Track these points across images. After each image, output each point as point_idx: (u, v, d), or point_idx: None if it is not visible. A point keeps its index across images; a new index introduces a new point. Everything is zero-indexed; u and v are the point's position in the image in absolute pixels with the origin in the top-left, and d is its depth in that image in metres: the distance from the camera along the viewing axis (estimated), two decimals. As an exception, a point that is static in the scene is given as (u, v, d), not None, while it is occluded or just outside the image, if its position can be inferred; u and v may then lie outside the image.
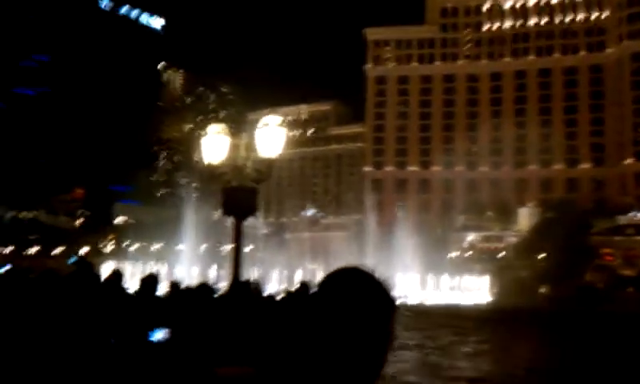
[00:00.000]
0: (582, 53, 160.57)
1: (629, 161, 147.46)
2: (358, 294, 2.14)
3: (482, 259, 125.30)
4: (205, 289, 11.17)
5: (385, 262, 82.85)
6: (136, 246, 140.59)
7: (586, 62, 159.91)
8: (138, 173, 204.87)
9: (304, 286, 12.35)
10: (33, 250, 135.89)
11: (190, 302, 10.51)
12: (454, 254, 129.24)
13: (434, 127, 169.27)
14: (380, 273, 2.20)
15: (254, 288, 12.28)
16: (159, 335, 9.21)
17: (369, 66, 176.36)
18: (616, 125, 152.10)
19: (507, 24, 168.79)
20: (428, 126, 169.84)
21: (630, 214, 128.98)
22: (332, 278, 2.23)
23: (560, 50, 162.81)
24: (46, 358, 7.43)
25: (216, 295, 12.03)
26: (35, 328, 7.90)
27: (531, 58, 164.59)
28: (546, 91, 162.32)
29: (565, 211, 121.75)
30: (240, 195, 12.04)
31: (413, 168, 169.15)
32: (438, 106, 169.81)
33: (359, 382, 2.06)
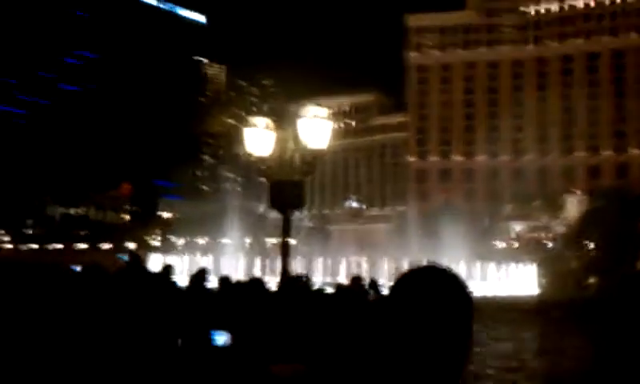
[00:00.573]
0: (633, 35, 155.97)
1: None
2: (438, 294, 2.17)
3: (530, 249, 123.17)
4: (257, 284, 11.00)
5: (430, 254, 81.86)
6: (182, 240, 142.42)
7: (635, 45, 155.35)
8: (182, 168, 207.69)
9: (356, 279, 12.04)
10: (82, 246, 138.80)
11: (244, 298, 10.36)
12: (500, 244, 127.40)
13: (477, 115, 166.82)
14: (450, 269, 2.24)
15: (304, 282, 12.08)
16: (222, 338, 9.06)
17: (410, 54, 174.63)
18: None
19: (552, 7, 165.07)
20: (472, 114, 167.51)
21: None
22: (409, 278, 2.26)
23: (608, 32, 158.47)
24: (118, 355, 7.38)
25: (267, 290, 11.88)
26: (107, 324, 7.86)
27: (578, 41, 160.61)
28: (593, 75, 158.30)
29: (614, 198, 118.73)
30: (287, 189, 11.88)
31: (457, 157, 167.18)
32: (481, 94, 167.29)
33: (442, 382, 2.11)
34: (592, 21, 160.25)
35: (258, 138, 12.48)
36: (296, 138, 12.05)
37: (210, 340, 9.22)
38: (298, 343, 8.89)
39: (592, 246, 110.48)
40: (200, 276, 11.08)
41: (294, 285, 11.50)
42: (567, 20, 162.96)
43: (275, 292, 12.03)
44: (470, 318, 2.16)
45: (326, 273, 78.50)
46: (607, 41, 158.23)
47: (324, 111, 12.41)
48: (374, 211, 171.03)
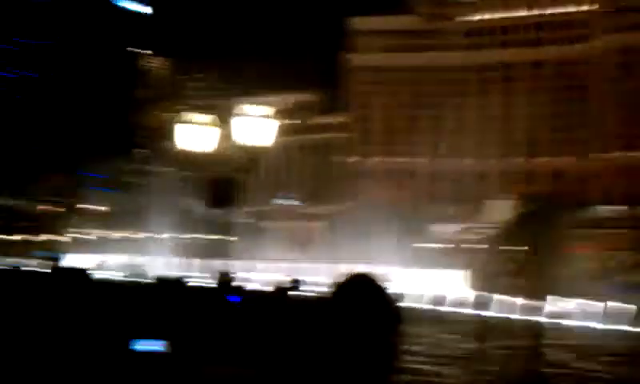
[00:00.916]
0: (571, 45, 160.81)
1: (613, 154, 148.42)
2: (368, 306, 2.29)
3: (463, 251, 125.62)
4: (179, 284, 10.48)
5: (366, 254, 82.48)
6: (116, 233, 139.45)
7: (573, 54, 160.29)
8: (114, 160, 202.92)
9: (295, 282, 11.63)
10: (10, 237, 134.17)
11: (174, 298, 9.85)
12: (435, 246, 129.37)
13: (418, 119, 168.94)
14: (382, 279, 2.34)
15: (231, 281, 11.61)
16: (153, 343, 8.50)
17: (353, 56, 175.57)
18: (600, 118, 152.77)
19: (495, 15, 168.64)
20: (412, 117, 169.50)
21: (610, 207, 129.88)
22: (345, 287, 2.37)
23: (549, 42, 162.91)
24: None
25: (189, 288, 11.37)
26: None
27: (520, 49, 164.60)
28: (534, 83, 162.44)
29: (545, 204, 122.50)
30: (225, 185, 11.40)
31: (396, 159, 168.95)
32: (422, 97, 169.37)
33: None
34: (533, 30, 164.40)
35: (195, 133, 11.96)
36: (235, 136, 11.58)
37: (140, 343, 8.69)
38: (235, 346, 8.55)
39: (522, 249, 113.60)
40: (138, 273, 10.49)
41: (227, 285, 11.02)
42: (509, 29, 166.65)
43: (209, 291, 11.56)
44: (396, 329, 2.33)
45: (264, 271, 78.00)
46: (548, 50, 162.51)
47: (268, 110, 12.02)
48: (312, 209, 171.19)
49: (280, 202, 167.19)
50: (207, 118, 11.35)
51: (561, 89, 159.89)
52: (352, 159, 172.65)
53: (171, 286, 10.71)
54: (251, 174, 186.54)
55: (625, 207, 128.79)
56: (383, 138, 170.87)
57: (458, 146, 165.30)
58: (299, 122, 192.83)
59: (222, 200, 9.94)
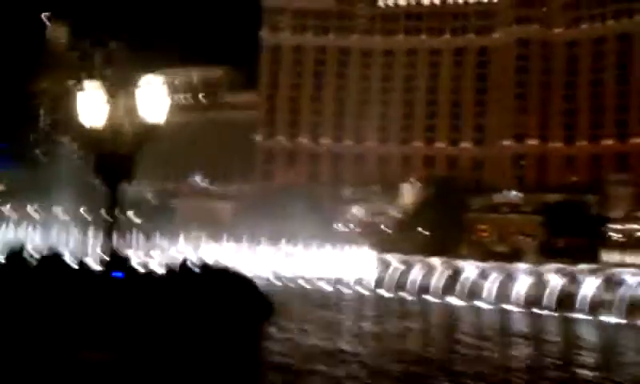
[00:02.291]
0: (471, 35, 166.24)
1: (507, 142, 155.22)
2: (233, 300, 2.31)
3: (368, 233, 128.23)
4: (56, 261, 10.46)
5: (272, 233, 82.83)
6: (9, 208, 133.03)
7: (474, 45, 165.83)
8: (15, 129, 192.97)
9: (184, 265, 11.83)
10: None
11: (45, 276, 9.81)
12: (339, 227, 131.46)
13: (325, 100, 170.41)
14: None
15: (124, 262, 11.62)
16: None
17: (264, 34, 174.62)
18: (497, 107, 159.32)
19: (401, 2, 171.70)
20: (320, 98, 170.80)
21: (505, 193, 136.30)
22: (209, 277, 2.39)
23: (450, 32, 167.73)
24: None
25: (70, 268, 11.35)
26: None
27: (423, 37, 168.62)
28: (435, 70, 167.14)
29: (445, 188, 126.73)
30: (116, 160, 11.33)
31: (303, 140, 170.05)
32: (331, 79, 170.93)
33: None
34: (435, 19, 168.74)
35: (92, 104, 11.86)
36: (130, 109, 11.56)
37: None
38: (111, 328, 8.60)
39: (422, 230, 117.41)
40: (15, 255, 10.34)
41: (117, 264, 11.02)
42: (414, 16, 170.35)
43: (96, 273, 11.47)
44: (261, 328, 2.36)
45: (167, 249, 76.86)
46: (449, 39, 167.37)
47: (161, 82, 11.97)
48: (219, 188, 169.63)
49: (188, 180, 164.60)
50: (103, 88, 11.18)
51: (461, 77, 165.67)
52: (260, 139, 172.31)
53: (49, 266, 10.67)
54: (155, 151, 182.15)
55: (519, 194, 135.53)
56: (290, 118, 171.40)
57: (362, 129, 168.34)
58: (207, 98, 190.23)
59: (118, 176, 9.87)
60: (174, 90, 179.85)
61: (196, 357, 7.97)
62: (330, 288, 54.08)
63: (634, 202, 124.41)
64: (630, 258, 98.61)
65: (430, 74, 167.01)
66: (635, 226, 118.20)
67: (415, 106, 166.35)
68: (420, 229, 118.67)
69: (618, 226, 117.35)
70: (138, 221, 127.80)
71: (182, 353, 8.18)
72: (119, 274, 10.45)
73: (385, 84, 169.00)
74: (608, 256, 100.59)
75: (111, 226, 11.38)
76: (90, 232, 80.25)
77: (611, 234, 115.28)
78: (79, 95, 11.98)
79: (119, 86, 12.61)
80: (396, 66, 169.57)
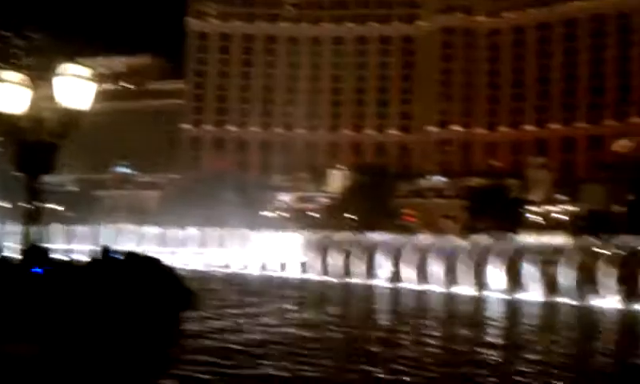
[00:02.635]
0: (396, 23, 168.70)
1: (432, 129, 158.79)
2: (149, 285, 2.28)
3: (296, 219, 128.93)
4: None
5: (202, 222, 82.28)
6: None
7: (399, 33, 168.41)
8: None
9: (105, 251, 11.85)
10: None
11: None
12: (269, 214, 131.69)
13: (254, 87, 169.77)
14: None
15: (43, 255, 11.53)
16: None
17: (190, 20, 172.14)
18: (423, 95, 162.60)
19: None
20: (248, 85, 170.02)
21: (431, 178, 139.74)
22: (124, 263, 2.38)
23: (376, 19, 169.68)
24: None
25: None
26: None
27: (349, 25, 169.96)
28: (362, 59, 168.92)
29: (373, 174, 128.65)
30: (37, 151, 11.29)
31: (231, 127, 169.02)
32: (258, 66, 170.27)
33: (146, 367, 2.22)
34: (361, 6, 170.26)
35: (12, 93, 11.79)
36: (53, 98, 11.57)
37: None
38: (35, 321, 8.66)
39: (351, 217, 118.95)
40: None
41: (38, 256, 10.95)
42: (339, 3, 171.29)
43: (15, 264, 11.34)
44: (178, 315, 2.32)
45: (88, 241, 75.24)
46: (375, 27, 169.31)
47: (86, 71, 11.98)
48: (146, 177, 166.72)
49: (114, 169, 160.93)
50: (22, 77, 11.09)
51: (388, 65, 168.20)
52: (186, 127, 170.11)
53: None
54: (79, 141, 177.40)
55: (444, 178, 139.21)
56: (217, 105, 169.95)
57: (291, 117, 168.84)
58: (132, 86, 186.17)
59: (39, 166, 9.76)
60: (99, 78, 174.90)
61: (114, 347, 8.20)
62: (256, 273, 54.41)
63: (553, 185, 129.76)
64: (545, 239, 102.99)
65: (356, 61, 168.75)
66: (552, 208, 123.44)
67: (343, 94, 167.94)
68: (348, 214, 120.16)
69: (537, 209, 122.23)
70: (60, 211, 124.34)
71: (102, 343, 8.40)
72: (38, 270, 10.43)
73: (312, 71, 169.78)
74: (524, 237, 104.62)
75: (31, 217, 11.32)
76: (10, 223, 77.81)
77: (530, 216, 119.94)
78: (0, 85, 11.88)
79: (42, 75, 12.56)
80: (323, 54, 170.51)
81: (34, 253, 11.41)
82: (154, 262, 9.42)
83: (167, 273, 9.36)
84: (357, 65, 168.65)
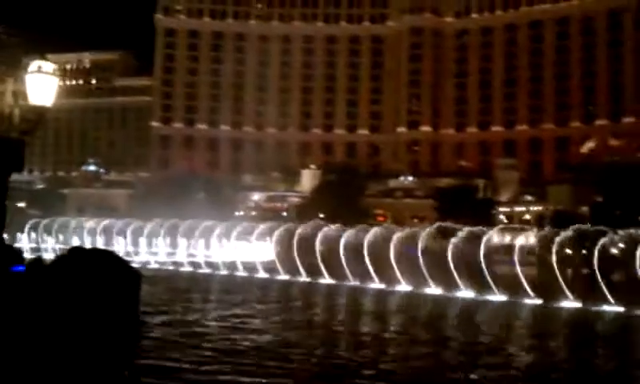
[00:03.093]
0: (366, 23, 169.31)
1: (402, 129, 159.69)
2: (98, 275, 2.27)
3: (267, 218, 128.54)
4: None
5: (170, 221, 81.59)
6: None
7: (369, 32, 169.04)
8: None
9: (73, 252, 11.65)
10: None
11: None
12: (239, 213, 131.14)
13: (224, 85, 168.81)
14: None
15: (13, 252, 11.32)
16: None
17: (159, 17, 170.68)
18: (392, 95, 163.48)
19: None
20: (218, 83, 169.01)
21: (400, 178, 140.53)
22: (67, 261, 2.36)
23: (346, 19, 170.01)
24: None
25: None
26: None
27: (319, 24, 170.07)
28: (332, 58, 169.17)
29: (343, 174, 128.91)
30: (4, 147, 11.06)
31: (201, 126, 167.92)
32: (228, 64, 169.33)
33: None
34: (331, 6, 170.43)
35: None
36: (16, 93, 11.35)
37: None
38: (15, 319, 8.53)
39: (322, 216, 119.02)
40: None
41: (15, 258, 10.75)
42: (310, 2, 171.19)
43: None
44: (130, 299, 2.32)
45: (57, 240, 74.20)
46: (345, 26, 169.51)
47: (49, 66, 11.77)
48: (114, 176, 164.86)
49: (82, 167, 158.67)
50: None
51: (358, 65, 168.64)
52: (155, 124, 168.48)
53: None
54: (46, 138, 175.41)
55: (413, 178, 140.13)
56: (187, 103, 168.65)
57: (262, 116, 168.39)
58: (97, 83, 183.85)
59: (8, 164, 9.56)
60: (65, 74, 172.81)
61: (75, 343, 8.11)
62: (225, 272, 54.12)
63: (520, 185, 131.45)
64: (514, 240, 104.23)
65: (326, 61, 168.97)
66: (521, 209, 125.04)
67: (313, 93, 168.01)
68: (319, 214, 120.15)
69: (505, 209, 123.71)
70: (28, 210, 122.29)
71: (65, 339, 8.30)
72: (20, 268, 10.30)
73: (283, 70, 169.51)
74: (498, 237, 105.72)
75: (1, 217, 11.07)
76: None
77: (499, 216, 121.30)
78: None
79: (6, 71, 12.32)
80: (294, 52, 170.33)
81: (11, 254, 11.24)
82: (112, 257, 9.25)
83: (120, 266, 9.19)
84: (327, 64, 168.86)
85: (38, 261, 12.61)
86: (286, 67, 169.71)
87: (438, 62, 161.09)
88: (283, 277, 51.53)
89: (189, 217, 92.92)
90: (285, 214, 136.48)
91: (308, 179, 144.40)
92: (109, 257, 9.12)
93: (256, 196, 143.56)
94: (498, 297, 37.94)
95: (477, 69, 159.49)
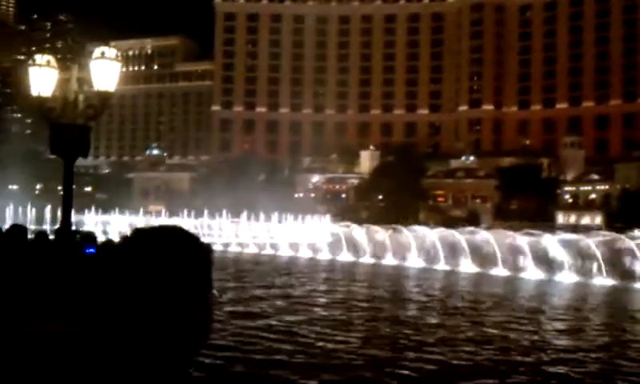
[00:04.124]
0: (426, 0, 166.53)
1: (463, 108, 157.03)
2: (168, 251, 2.27)
3: (326, 200, 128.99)
4: (18, 231, 10.42)
5: (233, 203, 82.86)
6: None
7: (429, 10, 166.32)
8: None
9: (138, 234, 11.80)
10: None
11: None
12: (299, 195, 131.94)
13: (283, 68, 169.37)
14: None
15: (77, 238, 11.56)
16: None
17: (218, 1, 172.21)
18: (453, 73, 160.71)
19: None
20: (277, 66, 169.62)
21: (462, 158, 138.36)
22: (140, 238, 2.37)
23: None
24: None
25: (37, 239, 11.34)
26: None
27: (377, 3, 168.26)
28: (391, 37, 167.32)
29: (403, 155, 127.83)
30: (70, 133, 11.25)
31: (261, 109, 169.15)
32: (287, 47, 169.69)
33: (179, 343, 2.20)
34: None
35: (43, 76, 11.79)
36: (81, 80, 11.53)
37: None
38: (59, 301, 8.69)
39: (381, 197, 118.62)
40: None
41: (70, 238, 10.95)
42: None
43: (49, 243, 11.35)
44: (202, 275, 2.31)
45: (125, 223, 76.25)
46: (404, 5, 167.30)
47: (112, 52, 11.88)
48: (177, 159, 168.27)
49: (146, 152, 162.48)
50: (52, 59, 11.08)
51: (417, 43, 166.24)
52: (216, 108, 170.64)
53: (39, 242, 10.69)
54: (111, 124, 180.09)
55: (474, 158, 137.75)
56: (247, 87, 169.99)
57: (320, 98, 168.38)
58: (162, 69, 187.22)
59: (74, 149, 9.81)
60: (127, 60, 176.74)
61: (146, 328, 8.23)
62: (288, 255, 54.55)
63: (586, 164, 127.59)
64: (584, 220, 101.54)
65: (385, 40, 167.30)
66: (587, 188, 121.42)
67: (372, 73, 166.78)
68: (379, 196, 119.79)
69: (571, 188, 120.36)
70: (95, 194, 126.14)
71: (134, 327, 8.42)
72: (92, 250, 10.56)
73: (341, 51, 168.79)
74: (564, 218, 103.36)
75: (68, 201, 11.33)
76: (48, 207, 79.35)
77: (564, 195, 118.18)
78: (30, 69, 11.87)
79: (71, 58, 12.57)
80: (352, 33, 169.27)
81: (84, 237, 11.54)
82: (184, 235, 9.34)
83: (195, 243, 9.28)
84: (386, 43, 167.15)
85: (110, 243, 12.94)
86: (345, 48, 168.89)
87: (500, 38, 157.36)
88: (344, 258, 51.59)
89: (250, 199, 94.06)
90: (344, 195, 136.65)
91: (367, 160, 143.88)
92: (178, 232, 9.22)
93: (315, 178, 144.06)
94: None
95: (540, 45, 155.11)
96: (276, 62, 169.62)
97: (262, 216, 72.70)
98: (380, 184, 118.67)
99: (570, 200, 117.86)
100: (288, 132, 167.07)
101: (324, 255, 53.98)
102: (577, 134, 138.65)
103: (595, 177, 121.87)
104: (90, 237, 11.75)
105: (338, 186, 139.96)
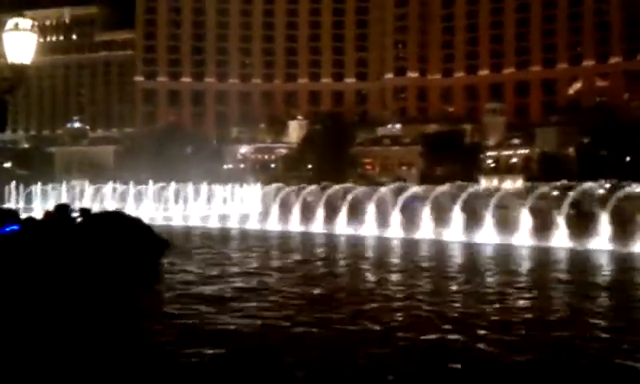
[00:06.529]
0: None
1: (388, 76, 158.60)
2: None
3: (255, 170, 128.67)
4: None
5: (158, 177, 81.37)
6: None
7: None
8: None
9: (62, 207, 11.59)
10: None
11: None
12: (228, 166, 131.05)
13: (207, 37, 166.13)
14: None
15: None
16: None
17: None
18: (378, 41, 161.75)
19: None
20: (201, 35, 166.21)
21: (388, 126, 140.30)
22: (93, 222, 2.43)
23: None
24: None
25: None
26: None
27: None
28: (317, 5, 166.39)
29: (331, 124, 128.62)
30: (-15, 107, 10.83)
31: (186, 79, 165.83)
32: (211, 15, 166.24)
33: None
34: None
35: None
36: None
37: None
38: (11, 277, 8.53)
39: (310, 166, 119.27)
40: None
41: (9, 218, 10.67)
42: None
43: None
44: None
45: (45, 198, 73.96)
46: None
47: (27, 22, 11.44)
48: (99, 132, 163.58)
49: (68, 125, 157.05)
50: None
51: (343, 11, 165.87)
52: (139, 79, 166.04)
53: None
54: (28, 97, 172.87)
55: (400, 126, 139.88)
56: (170, 56, 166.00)
57: (247, 67, 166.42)
58: (81, 38, 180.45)
59: None
60: (44, 30, 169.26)
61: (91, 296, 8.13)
62: (216, 226, 54.23)
63: (508, 130, 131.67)
64: (506, 183, 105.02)
65: (311, 8, 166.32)
66: (508, 153, 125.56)
67: (299, 41, 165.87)
68: (308, 165, 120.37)
69: (493, 153, 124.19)
70: (15, 170, 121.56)
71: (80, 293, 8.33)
72: (15, 227, 10.28)
73: (267, 19, 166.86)
74: (487, 182, 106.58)
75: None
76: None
77: (486, 161, 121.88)
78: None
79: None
80: (278, 1, 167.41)
81: (3, 212, 11.22)
82: (119, 216, 9.25)
83: (135, 224, 9.21)
84: (311, 11, 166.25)
85: (33, 219, 12.60)
86: (271, 16, 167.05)
87: (424, 6, 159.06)
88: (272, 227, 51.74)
89: (177, 171, 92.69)
90: (273, 165, 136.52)
91: (295, 130, 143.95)
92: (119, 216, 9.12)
93: (243, 148, 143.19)
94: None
95: (463, 12, 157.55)
96: (200, 30, 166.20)
97: (190, 188, 71.89)
98: (309, 153, 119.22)
99: (493, 164, 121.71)
100: (214, 102, 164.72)
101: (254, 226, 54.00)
102: (498, 100, 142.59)
103: (516, 141, 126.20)
104: (11, 213, 11.44)
105: (267, 156, 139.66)
